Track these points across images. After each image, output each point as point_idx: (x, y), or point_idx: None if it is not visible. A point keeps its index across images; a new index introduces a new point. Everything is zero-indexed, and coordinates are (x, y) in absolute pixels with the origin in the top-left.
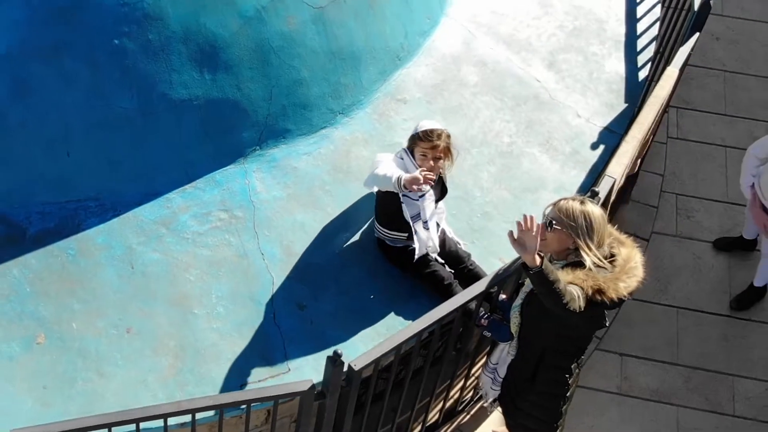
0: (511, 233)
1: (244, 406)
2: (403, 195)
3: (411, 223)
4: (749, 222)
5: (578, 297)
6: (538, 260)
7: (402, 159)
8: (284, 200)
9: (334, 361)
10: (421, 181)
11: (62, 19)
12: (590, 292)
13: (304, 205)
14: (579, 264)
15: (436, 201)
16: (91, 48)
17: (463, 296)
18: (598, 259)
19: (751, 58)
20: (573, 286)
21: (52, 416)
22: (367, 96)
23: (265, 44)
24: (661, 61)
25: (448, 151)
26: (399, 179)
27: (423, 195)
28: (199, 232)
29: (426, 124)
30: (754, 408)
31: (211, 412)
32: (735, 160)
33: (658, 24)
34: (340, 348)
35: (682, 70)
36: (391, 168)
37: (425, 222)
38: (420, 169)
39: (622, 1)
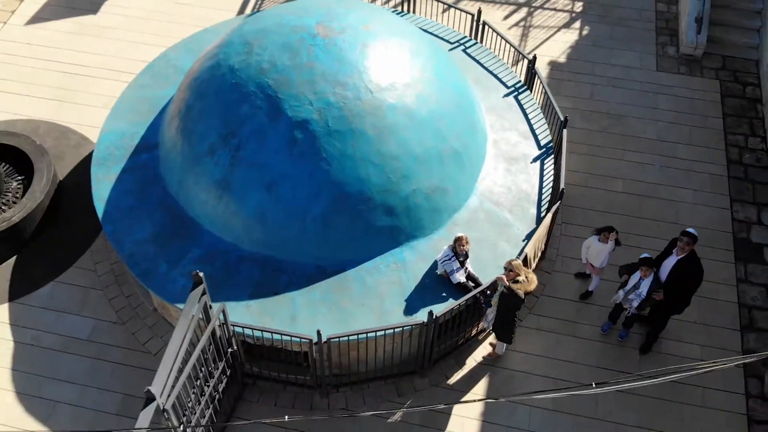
0: (501, 278)
1: (401, 329)
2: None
3: (447, 275)
4: (586, 268)
5: (523, 294)
6: (509, 284)
7: (449, 249)
8: (415, 260)
9: (431, 315)
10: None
11: (335, 198)
12: (524, 291)
13: (422, 262)
14: (516, 281)
15: (464, 262)
16: (353, 205)
17: (475, 292)
18: (524, 278)
19: (594, 199)
20: (519, 290)
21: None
22: (443, 226)
23: (408, 205)
24: (548, 211)
25: (467, 243)
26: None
27: (452, 263)
28: (386, 272)
29: (458, 234)
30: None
31: (392, 330)
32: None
33: (550, 197)
34: (434, 309)
35: (554, 216)
36: (443, 261)
37: (454, 271)
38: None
39: (536, 186)
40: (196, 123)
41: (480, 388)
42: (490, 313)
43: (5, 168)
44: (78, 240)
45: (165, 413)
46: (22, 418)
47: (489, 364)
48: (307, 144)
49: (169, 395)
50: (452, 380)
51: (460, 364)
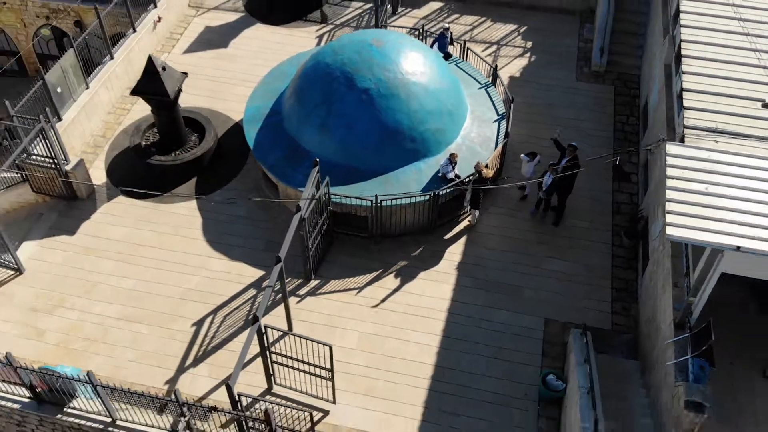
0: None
1: (419, 198)
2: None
3: (445, 175)
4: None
5: (484, 176)
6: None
7: (447, 160)
8: (426, 168)
9: (435, 192)
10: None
11: (383, 133)
12: (485, 176)
13: (430, 169)
14: (480, 172)
15: (454, 167)
16: (393, 137)
17: (458, 180)
18: (485, 171)
19: (530, 149)
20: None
21: None
22: (441, 151)
23: (423, 138)
24: (503, 140)
25: (456, 156)
26: (442, 171)
27: (447, 167)
28: (410, 174)
29: (452, 151)
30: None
31: (415, 199)
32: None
33: (502, 138)
34: (438, 191)
35: (504, 147)
36: (443, 166)
37: (448, 172)
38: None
39: (495, 134)
40: (306, 94)
41: (462, 239)
42: (468, 195)
43: (187, 129)
44: (232, 168)
45: (304, 221)
46: (213, 255)
47: (467, 230)
48: (368, 102)
49: (305, 212)
50: (447, 237)
51: (451, 228)
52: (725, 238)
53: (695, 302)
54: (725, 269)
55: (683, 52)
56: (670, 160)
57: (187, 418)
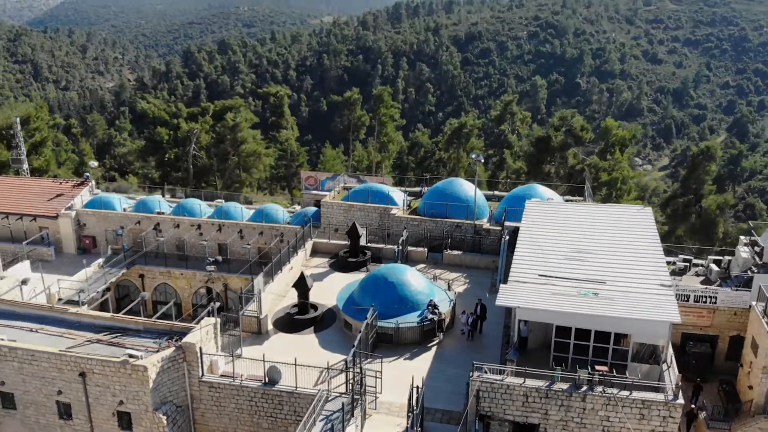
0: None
1: (414, 325)
2: None
3: (426, 316)
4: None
5: (443, 317)
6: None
7: (428, 307)
8: (418, 313)
9: (422, 324)
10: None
11: (399, 299)
12: (443, 318)
13: (419, 314)
14: (441, 315)
15: (429, 312)
16: (404, 301)
17: (430, 317)
18: (444, 314)
19: (470, 306)
20: (441, 317)
21: None
22: (424, 307)
23: (417, 302)
24: (452, 305)
25: (432, 307)
26: (423, 315)
27: (427, 312)
28: (412, 315)
29: (431, 304)
30: None
31: (413, 324)
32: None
33: (452, 304)
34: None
35: (453, 308)
36: (425, 311)
37: (428, 314)
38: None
39: (448, 303)
40: (366, 286)
41: (435, 346)
42: (437, 326)
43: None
44: (328, 324)
45: (368, 326)
46: (328, 352)
47: (438, 343)
48: (393, 287)
49: (370, 319)
50: (429, 345)
51: (431, 341)
52: (514, 302)
53: (514, 333)
54: (520, 317)
55: (513, 263)
56: (501, 290)
57: (329, 376)
